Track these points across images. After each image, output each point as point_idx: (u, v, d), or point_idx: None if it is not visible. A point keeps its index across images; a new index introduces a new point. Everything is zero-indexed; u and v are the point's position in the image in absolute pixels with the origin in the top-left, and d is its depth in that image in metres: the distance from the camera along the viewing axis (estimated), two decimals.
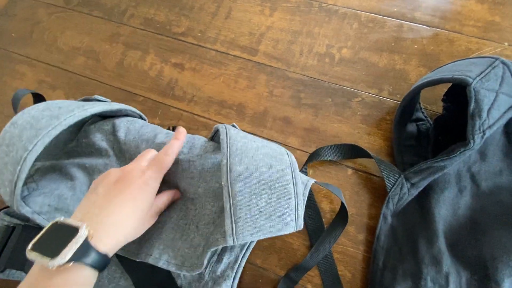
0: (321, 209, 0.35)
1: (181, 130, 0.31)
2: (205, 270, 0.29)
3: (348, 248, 0.34)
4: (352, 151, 0.36)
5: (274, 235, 0.24)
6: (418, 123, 0.36)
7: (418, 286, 0.28)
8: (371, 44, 0.42)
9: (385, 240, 0.31)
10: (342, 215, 0.30)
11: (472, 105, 0.26)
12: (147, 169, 0.28)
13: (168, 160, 0.28)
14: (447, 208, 0.31)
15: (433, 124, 0.35)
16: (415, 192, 0.31)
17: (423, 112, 0.37)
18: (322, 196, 0.36)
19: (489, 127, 0.26)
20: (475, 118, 0.26)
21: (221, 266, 0.29)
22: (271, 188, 0.24)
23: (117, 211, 0.25)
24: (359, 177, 0.36)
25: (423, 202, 0.32)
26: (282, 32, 0.45)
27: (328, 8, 0.45)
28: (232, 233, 0.23)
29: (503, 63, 0.27)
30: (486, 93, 0.26)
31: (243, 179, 0.24)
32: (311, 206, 0.35)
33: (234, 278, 0.29)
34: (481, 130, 0.26)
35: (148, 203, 0.27)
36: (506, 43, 0.40)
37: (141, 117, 0.35)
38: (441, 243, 0.29)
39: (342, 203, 0.29)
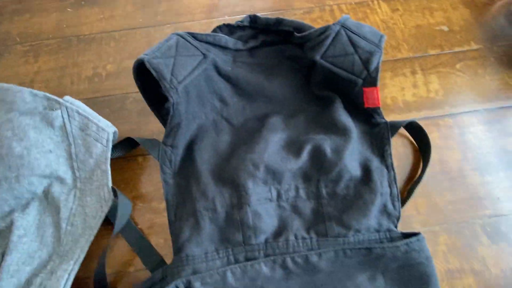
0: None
1: None
2: None
3: (155, 220, 0.39)
4: (129, 144, 0.41)
5: None
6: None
7: (196, 218, 0.35)
8: (129, 54, 0.50)
9: (173, 199, 0.37)
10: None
11: (153, 74, 0.34)
12: None
13: None
14: (209, 151, 0.39)
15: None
16: (178, 151, 0.38)
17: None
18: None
19: (179, 82, 0.35)
20: (160, 81, 0.34)
21: None
22: None
23: None
24: (146, 160, 0.42)
25: (190, 155, 0.39)
26: (50, 71, 0.48)
27: (86, 38, 0.51)
28: None
29: (178, 35, 0.37)
30: (161, 61, 0.34)
31: None
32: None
33: None
34: (172, 87, 0.34)
35: None
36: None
37: None
38: (206, 178, 0.36)
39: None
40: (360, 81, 0.38)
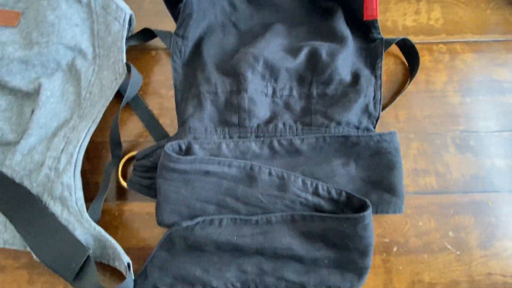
0: None
1: None
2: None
3: (163, 104, 0.43)
4: (145, 35, 0.44)
5: None
6: None
7: (199, 99, 0.39)
8: None
9: (181, 85, 0.42)
10: None
11: None
12: None
13: None
14: (215, 48, 0.43)
15: None
16: (188, 43, 0.42)
17: None
18: None
19: None
20: None
21: (62, 164, 0.36)
22: None
23: None
24: (159, 54, 0.46)
25: (198, 49, 0.43)
26: None
27: None
28: None
29: None
30: None
31: None
32: None
33: (75, 168, 0.36)
34: None
35: None
36: None
37: None
38: (210, 68, 0.41)
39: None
40: None
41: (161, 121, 0.43)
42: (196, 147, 0.37)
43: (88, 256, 0.34)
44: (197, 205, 0.36)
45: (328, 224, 0.34)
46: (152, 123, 0.42)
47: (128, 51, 0.45)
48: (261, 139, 0.38)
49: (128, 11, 0.41)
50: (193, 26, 0.42)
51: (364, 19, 0.41)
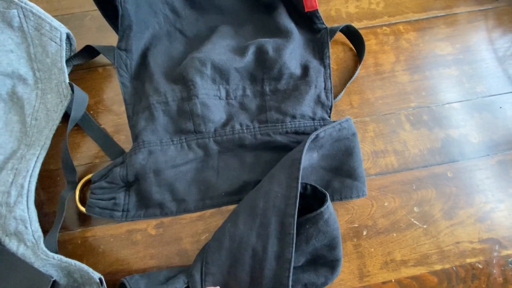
0: None
1: None
2: None
3: (116, 121, 0.42)
4: (88, 53, 0.42)
5: None
6: None
7: (151, 111, 0.39)
8: None
9: (131, 99, 0.41)
10: None
11: None
12: None
13: None
14: (162, 56, 0.42)
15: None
16: (133, 56, 0.41)
17: None
18: None
19: None
20: None
21: (12, 198, 0.34)
22: None
23: None
24: (106, 70, 0.44)
25: (145, 60, 0.42)
26: None
27: None
28: None
29: None
30: None
31: None
32: None
33: (28, 200, 0.34)
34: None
35: None
36: None
37: None
38: (158, 78, 0.40)
39: None
40: None
41: (116, 139, 0.41)
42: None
43: (54, 283, 0.33)
44: None
45: (297, 229, 0.33)
46: (106, 142, 0.41)
47: (73, 71, 0.44)
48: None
49: (63, 29, 0.39)
50: (136, 37, 0.41)
51: (305, 10, 0.42)
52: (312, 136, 0.35)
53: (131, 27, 0.40)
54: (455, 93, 0.43)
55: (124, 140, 0.41)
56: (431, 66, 0.44)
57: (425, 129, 0.41)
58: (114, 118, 0.42)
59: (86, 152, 0.41)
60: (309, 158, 0.38)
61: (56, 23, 0.39)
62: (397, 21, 0.47)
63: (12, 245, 0.34)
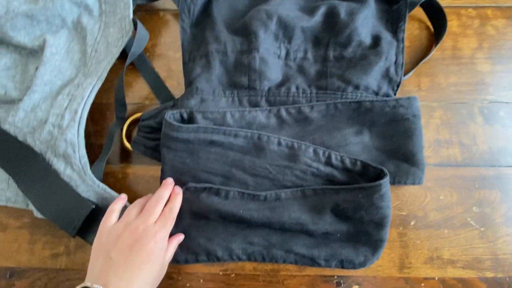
0: None
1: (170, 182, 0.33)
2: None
3: (170, 66, 0.41)
4: None
5: None
6: None
7: (208, 59, 0.37)
8: None
9: (188, 45, 0.40)
10: None
11: None
12: (158, 230, 0.29)
13: (173, 217, 0.31)
14: (226, 7, 0.40)
15: None
16: (198, 1, 0.39)
17: None
18: None
19: None
20: None
21: (65, 121, 0.35)
22: None
23: (136, 277, 0.26)
24: (167, 15, 0.43)
25: (208, 8, 0.40)
26: None
27: None
28: None
29: None
30: None
31: None
32: None
33: (79, 126, 0.35)
34: None
35: (162, 262, 0.29)
36: None
37: None
38: (220, 27, 0.38)
39: None
40: None
41: (167, 84, 0.41)
42: (198, 116, 0.35)
43: (93, 211, 0.33)
44: (203, 176, 0.34)
45: (341, 196, 0.31)
46: (158, 85, 0.40)
47: (135, 12, 0.43)
48: (268, 108, 0.36)
49: None
50: None
51: None
52: (352, 101, 0.34)
53: None
54: None
55: (175, 86, 0.40)
56: None
57: (499, 126, 0.37)
58: (168, 63, 0.42)
59: (137, 92, 0.41)
60: (358, 134, 0.35)
61: None
62: (486, 4, 0.42)
63: (60, 165, 0.35)
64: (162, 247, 0.29)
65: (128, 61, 0.37)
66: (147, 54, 0.42)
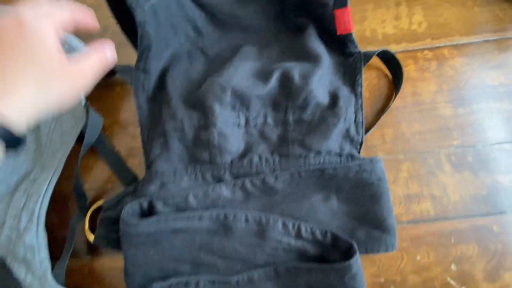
0: None
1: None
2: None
3: (131, 144, 0.40)
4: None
5: None
6: None
7: (165, 138, 0.36)
8: None
9: (146, 122, 0.39)
10: None
11: None
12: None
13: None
14: (181, 79, 0.39)
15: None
16: (151, 77, 0.39)
17: None
18: None
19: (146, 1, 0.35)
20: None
21: (22, 223, 0.34)
22: None
23: None
24: (124, 89, 0.42)
25: (163, 82, 0.40)
26: None
27: None
28: None
29: None
30: None
31: None
32: None
33: (37, 226, 0.33)
34: (136, 4, 0.34)
35: (38, 50, 0.22)
36: None
37: None
38: (176, 102, 0.38)
39: None
40: (331, 1, 0.37)
41: (129, 163, 0.40)
42: (159, 204, 0.33)
43: None
44: (169, 265, 0.32)
45: (313, 277, 0.30)
46: (119, 167, 0.39)
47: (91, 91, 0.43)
48: (232, 182, 0.35)
49: (82, 49, 0.38)
50: (155, 58, 0.39)
51: (338, 33, 0.38)
52: (314, 169, 0.33)
53: (150, 47, 0.38)
54: (507, 132, 0.37)
55: (137, 164, 0.40)
56: (479, 99, 0.39)
57: (469, 173, 0.36)
58: (129, 141, 0.41)
59: (98, 176, 0.40)
60: (326, 201, 0.34)
61: (75, 42, 0.38)
62: (441, 44, 0.42)
63: (21, 272, 0.34)
64: (31, 30, 0.22)
65: (82, 153, 0.36)
66: (106, 133, 0.41)
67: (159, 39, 0.39)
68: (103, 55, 0.28)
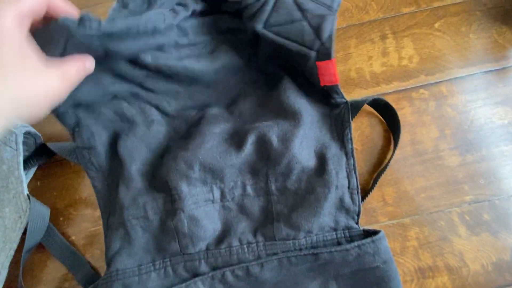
0: None
1: None
2: None
3: (90, 230, 0.35)
4: (47, 152, 0.35)
5: None
6: None
7: (126, 229, 0.30)
8: None
9: (104, 206, 0.32)
10: None
11: None
12: None
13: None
14: (138, 148, 0.33)
15: None
16: (97, 151, 0.32)
17: None
18: None
19: None
20: None
21: None
22: None
23: None
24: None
25: (116, 154, 0.33)
26: None
27: None
28: None
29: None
30: None
31: None
32: None
33: None
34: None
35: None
36: None
37: None
38: (137, 182, 0.32)
39: None
40: (313, 53, 0.31)
41: (89, 253, 0.34)
42: None
43: None
44: None
45: None
46: (75, 262, 0.33)
47: (41, 167, 0.37)
48: (210, 274, 0.29)
49: (19, 130, 0.32)
50: (92, 130, 0.32)
51: (321, 85, 0.33)
52: (306, 254, 0.28)
53: (79, 123, 0.32)
54: None
55: (98, 256, 0.33)
56: (488, 142, 0.34)
57: (487, 234, 0.31)
58: (88, 226, 0.35)
59: (53, 274, 0.33)
60: None
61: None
62: (438, 80, 0.36)
63: None
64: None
65: (23, 257, 0.30)
66: (61, 219, 0.35)
67: (88, 109, 0.32)
68: (81, 64, 0.27)
